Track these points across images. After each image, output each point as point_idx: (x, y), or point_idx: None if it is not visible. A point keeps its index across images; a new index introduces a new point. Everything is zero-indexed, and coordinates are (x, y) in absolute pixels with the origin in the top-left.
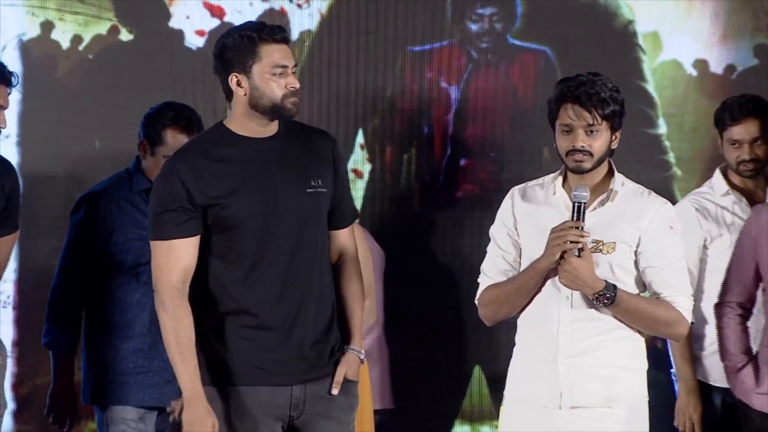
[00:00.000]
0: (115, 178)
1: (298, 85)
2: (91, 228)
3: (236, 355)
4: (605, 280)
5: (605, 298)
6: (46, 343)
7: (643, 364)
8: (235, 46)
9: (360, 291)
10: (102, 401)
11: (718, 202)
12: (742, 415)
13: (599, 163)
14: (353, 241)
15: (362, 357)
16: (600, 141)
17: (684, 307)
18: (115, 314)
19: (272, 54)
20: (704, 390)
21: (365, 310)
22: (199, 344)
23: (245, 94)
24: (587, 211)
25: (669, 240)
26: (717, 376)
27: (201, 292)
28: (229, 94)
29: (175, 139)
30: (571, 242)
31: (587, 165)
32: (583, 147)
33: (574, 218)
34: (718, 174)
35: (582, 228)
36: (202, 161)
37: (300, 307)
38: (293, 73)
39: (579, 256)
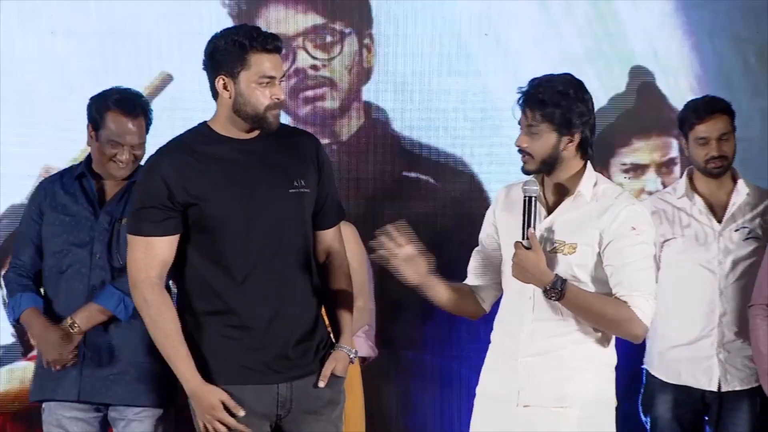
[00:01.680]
0: (71, 165)
1: (283, 97)
2: (31, 212)
3: (221, 355)
4: (555, 274)
5: (554, 291)
6: (14, 319)
7: (606, 365)
8: (226, 49)
9: (349, 290)
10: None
11: (676, 204)
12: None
13: (546, 164)
14: (340, 240)
15: (352, 355)
16: (540, 142)
17: (639, 306)
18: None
19: (261, 63)
20: (659, 387)
21: (358, 309)
22: (188, 343)
23: (230, 98)
24: (555, 211)
25: (629, 240)
26: (671, 374)
27: (184, 291)
28: (214, 94)
29: (118, 124)
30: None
31: (530, 166)
32: (519, 146)
33: (525, 211)
34: (684, 177)
35: (532, 219)
36: (185, 159)
37: (282, 307)
38: (280, 83)
39: (528, 248)
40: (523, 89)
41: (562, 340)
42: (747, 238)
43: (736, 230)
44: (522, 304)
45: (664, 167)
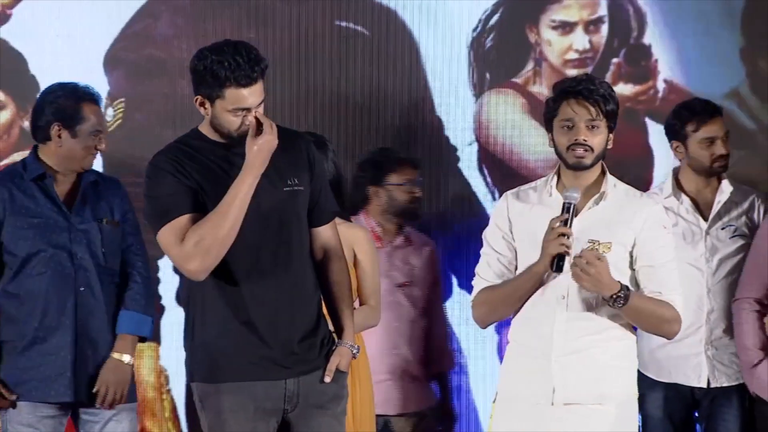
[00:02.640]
0: (9, 168)
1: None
2: None
3: (230, 352)
4: (619, 282)
5: (622, 299)
6: None
7: (633, 363)
8: (203, 76)
9: (347, 286)
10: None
11: (663, 204)
12: (758, 411)
13: (597, 160)
14: (336, 237)
15: (355, 351)
16: (600, 138)
17: (679, 305)
18: (10, 307)
19: (236, 97)
20: (649, 385)
21: (371, 309)
22: (195, 341)
23: (207, 115)
24: (582, 211)
25: (663, 240)
26: (661, 372)
27: (192, 290)
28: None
29: (96, 114)
30: (564, 237)
31: (588, 161)
32: (585, 141)
33: (568, 219)
34: (670, 177)
35: (569, 226)
36: (181, 156)
37: (285, 304)
38: (257, 108)
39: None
40: (572, 84)
41: (594, 338)
42: (733, 236)
43: (723, 228)
44: (553, 305)
45: (591, 25)
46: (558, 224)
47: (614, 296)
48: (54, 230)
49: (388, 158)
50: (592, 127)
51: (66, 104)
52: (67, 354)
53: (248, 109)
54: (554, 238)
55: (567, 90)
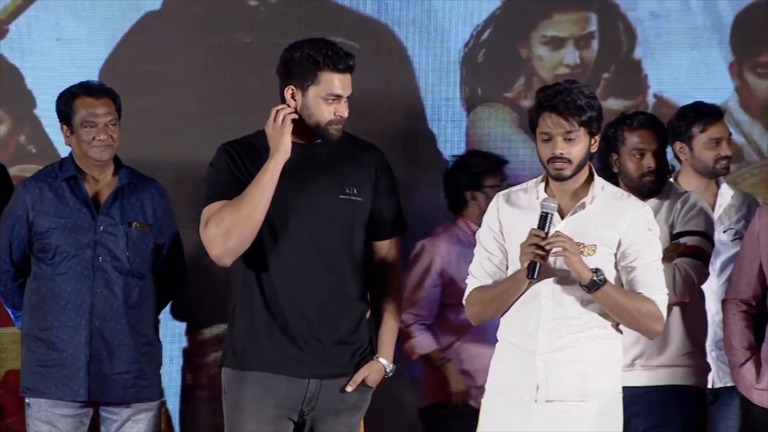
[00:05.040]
0: (47, 167)
1: (346, 114)
2: (18, 217)
3: (259, 343)
4: (596, 267)
5: (598, 282)
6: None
7: (618, 362)
8: (300, 62)
9: (397, 304)
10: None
11: None
12: (744, 411)
13: (579, 168)
14: (395, 254)
15: (389, 370)
16: (578, 147)
17: (662, 305)
18: (37, 305)
19: (331, 82)
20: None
21: None
22: (231, 328)
23: (296, 107)
24: (568, 215)
25: (647, 241)
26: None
27: (240, 276)
28: (283, 99)
29: (87, 106)
30: (536, 247)
31: (567, 172)
32: (561, 154)
33: (540, 227)
34: (670, 180)
35: (546, 234)
36: (246, 152)
37: (322, 307)
38: (346, 101)
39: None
40: (549, 96)
41: (579, 336)
42: (734, 239)
43: (724, 231)
44: (539, 302)
45: (582, 41)
46: (535, 232)
47: (593, 276)
48: (80, 231)
49: (482, 162)
50: (569, 139)
51: (63, 104)
52: (80, 354)
53: (339, 98)
54: (527, 246)
55: (543, 103)
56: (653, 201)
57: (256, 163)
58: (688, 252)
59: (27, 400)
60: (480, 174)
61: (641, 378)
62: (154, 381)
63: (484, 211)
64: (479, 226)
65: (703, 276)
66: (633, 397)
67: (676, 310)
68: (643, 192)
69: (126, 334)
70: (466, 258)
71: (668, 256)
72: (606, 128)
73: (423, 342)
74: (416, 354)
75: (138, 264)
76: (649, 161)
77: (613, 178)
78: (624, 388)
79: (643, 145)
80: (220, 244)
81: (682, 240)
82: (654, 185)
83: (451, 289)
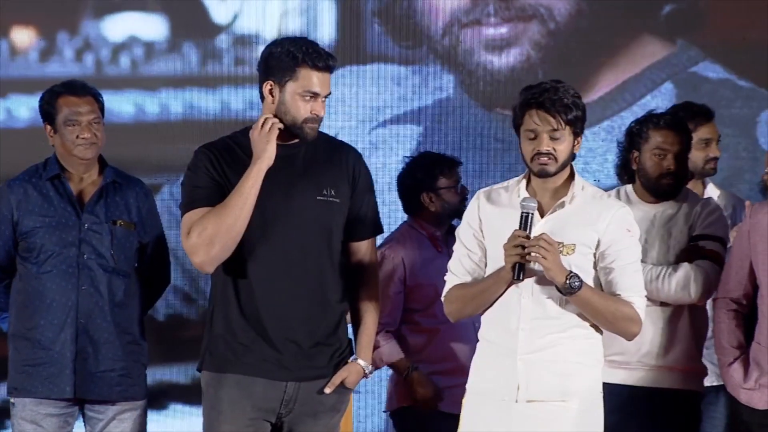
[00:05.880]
0: (31, 167)
1: (322, 114)
2: (3, 217)
3: (236, 347)
4: (571, 270)
5: (575, 283)
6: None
7: (598, 361)
8: (279, 57)
9: (375, 305)
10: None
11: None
12: (731, 410)
13: (563, 167)
14: (372, 255)
15: (367, 371)
16: (563, 146)
17: (640, 307)
18: (23, 304)
19: (309, 79)
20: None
21: None
22: (209, 332)
23: (273, 103)
24: (547, 214)
25: (626, 242)
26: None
27: (218, 278)
28: (262, 96)
29: (69, 104)
30: (521, 249)
31: (551, 168)
32: (547, 150)
33: (521, 227)
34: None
35: (528, 234)
36: (223, 153)
37: (299, 309)
38: (323, 101)
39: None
40: (535, 94)
41: (559, 336)
42: None
43: None
44: (518, 302)
45: None
46: (519, 233)
47: (567, 281)
48: (64, 229)
49: (434, 162)
50: (555, 138)
51: (46, 103)
52: (66, 351)
53: (316, 96)
54: (512, 247)
55: (530, 101)
56: (669, 203)
57: (234, 165)
58: (708, 255)
59: (12, 400)
60: (434, 175)
61: (643, 378)
62: (140, 380)
63: (440, 213)
64: (435, 227)
65: (718, 281)
66: (634, 398)
67: (685, 312)
68: (659, 193)
69: (111, 332)
70: (426, 260)
71: (688, 257)
72: (631, 124)
73: (389, 351)
74: (383, 363)
75: (123, 262)
76: (669, 162)
77: (630, 176)
78: (624, 387)
79: (666, 145)
80: (203, 252)
81: (701, 243)
82: (671, 188)
83: (416, 293)
